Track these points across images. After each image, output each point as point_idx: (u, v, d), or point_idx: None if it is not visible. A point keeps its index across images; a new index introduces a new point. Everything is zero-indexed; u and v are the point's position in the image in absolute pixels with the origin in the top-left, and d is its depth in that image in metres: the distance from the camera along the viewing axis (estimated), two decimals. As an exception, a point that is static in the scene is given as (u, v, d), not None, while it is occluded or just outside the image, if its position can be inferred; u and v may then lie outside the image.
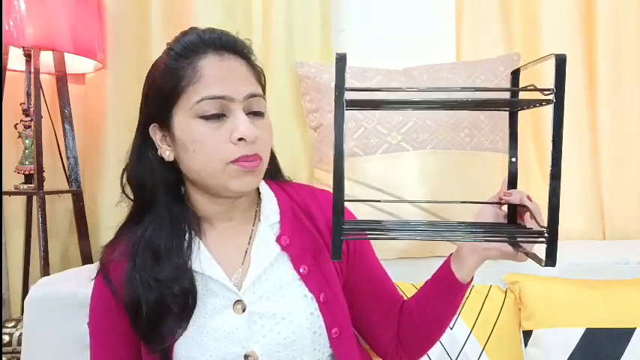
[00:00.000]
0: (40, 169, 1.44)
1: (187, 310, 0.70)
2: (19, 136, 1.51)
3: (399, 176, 1.23)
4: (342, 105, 0.55)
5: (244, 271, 0.74)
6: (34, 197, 1.48)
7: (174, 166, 0.74)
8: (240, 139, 0.68)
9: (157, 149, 0.74)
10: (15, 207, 1.59)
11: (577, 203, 1.43)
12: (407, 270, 1.12)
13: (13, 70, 1.54)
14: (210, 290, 0.72)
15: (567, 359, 1.02)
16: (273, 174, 0.85)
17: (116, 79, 1.55)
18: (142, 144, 0.75)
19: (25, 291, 1.52)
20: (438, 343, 1.03)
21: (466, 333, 1.04)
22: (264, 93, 0.75)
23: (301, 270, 0.74)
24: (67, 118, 1.53)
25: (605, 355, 1.01)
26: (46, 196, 1.44)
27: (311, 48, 1.49)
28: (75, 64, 1.58)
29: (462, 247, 0.75)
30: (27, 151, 1.49)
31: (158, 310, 0.69)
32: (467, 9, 1.52)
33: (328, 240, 0.77)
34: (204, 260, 0.73)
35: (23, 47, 1.43)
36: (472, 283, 0.78)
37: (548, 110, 0.56)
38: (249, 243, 0.76)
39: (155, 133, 0.74)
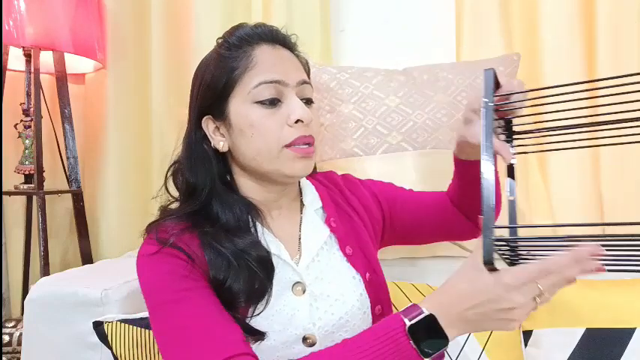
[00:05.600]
0: (40, 169, 1.44)
1: (270, 275, 0.69)
2: (19, 136, 1.51)
3: (399, 176, 1.23)
4: (490, 118, 0.56)
5: (300, 254, 0.76)
6: (34, 197, 1.48)
7: (223, 157, 0.76)
8: (297, 122, 0.70)
9: (209, 142, 0.75)
10: (15, 207, 1.59)
11: (576, 203, 1.43)
12: (406, 270, 1.12)
13: (13, 70, 1.54)
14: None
15: (567, 359, 1.02)
16: None
17: (116, 79, 1.56)
18: (195, 138, 0.76)
19: (25, 291, 1.53)
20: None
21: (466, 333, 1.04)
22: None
23: (347, 250, 0.77)
24: (67, 118, 1.54)
25: (605, 355, 1.01)
26: (46, 196, 1.44)
27: (311, 48, 1.49)
28: (75, 64, 1.58)
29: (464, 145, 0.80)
30: (27, 151, 1.49)
31: (244, 276, 0.67)
32: (467, 9, 1.52)
33: (364, 217, 0.83)
34: (269, 240, 0.73)
35: (23, 47, 1.43)
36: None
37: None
38: (299, 230, 0.78)
39: (208, 125, 0.75)
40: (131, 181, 1.60)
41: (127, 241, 1.57)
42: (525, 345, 1.07)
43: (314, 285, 0.73)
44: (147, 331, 0.92)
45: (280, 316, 0.69)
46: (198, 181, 0.74)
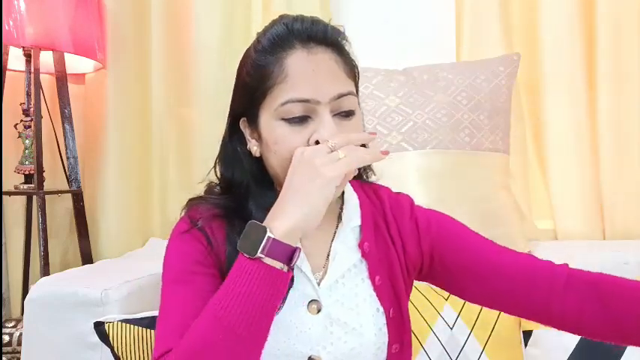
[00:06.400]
0: (40, 169, 1.44)
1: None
2: (19, 136, 1.51)
3: (399, 176, 1.23)
4: None
5: (324, 272, 0.72)
6: (34, 197, 1.48)
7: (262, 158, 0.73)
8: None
9: (245, 142, 0.73)
10: (15, 207, 1.59)
11: (576, 203, 1.43)
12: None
13: (13, 70, 1.54)
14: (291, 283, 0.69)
15: (567, 359, 1.02)
16: (362, 172, 0.80)
17: (116, 79, 1.56)
18: (231, 136, 0.74)
19: (25, 291, 1.53)
20: (437, 342, 1.03)
21: (466, 333, 1.04)
22: (357, 86, 0.73)
23: (376, 280, 0.73)
24: (67, 118, 1.54)
25: (606, 355, 1.01)
26: (46, 196, 1.44)
27: (311, 48, 1.49)
28: (75, 64, 1.58)
29: None
30: (27, 151, 1.49)
31: None
32: (467, 9, 1.52)
33: (399, 249, 0.75)
34: None
35: (23, 47, 1.43)
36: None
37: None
38: (330, 245, 0.74)
39: (245, 127, 0.73)
40: (131, 181, 1.60)
41: (127, 241, 1.57)
42: (525, 345, 1.07)
43: (332, 308, 0.70)
44: (148, 330, 0.92)
45: (287, 329, 0.68)
46: (234, 178, 0.73)
